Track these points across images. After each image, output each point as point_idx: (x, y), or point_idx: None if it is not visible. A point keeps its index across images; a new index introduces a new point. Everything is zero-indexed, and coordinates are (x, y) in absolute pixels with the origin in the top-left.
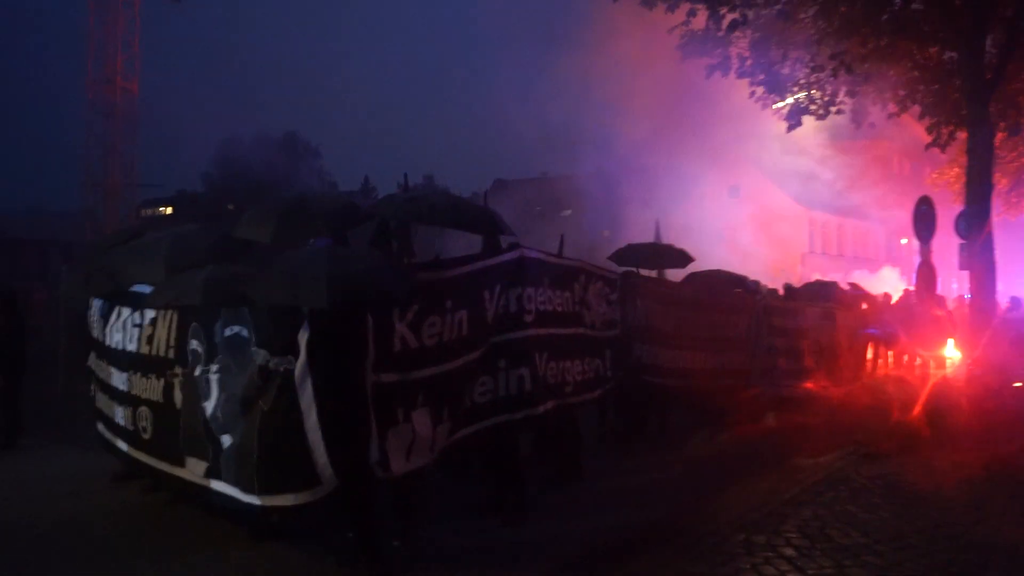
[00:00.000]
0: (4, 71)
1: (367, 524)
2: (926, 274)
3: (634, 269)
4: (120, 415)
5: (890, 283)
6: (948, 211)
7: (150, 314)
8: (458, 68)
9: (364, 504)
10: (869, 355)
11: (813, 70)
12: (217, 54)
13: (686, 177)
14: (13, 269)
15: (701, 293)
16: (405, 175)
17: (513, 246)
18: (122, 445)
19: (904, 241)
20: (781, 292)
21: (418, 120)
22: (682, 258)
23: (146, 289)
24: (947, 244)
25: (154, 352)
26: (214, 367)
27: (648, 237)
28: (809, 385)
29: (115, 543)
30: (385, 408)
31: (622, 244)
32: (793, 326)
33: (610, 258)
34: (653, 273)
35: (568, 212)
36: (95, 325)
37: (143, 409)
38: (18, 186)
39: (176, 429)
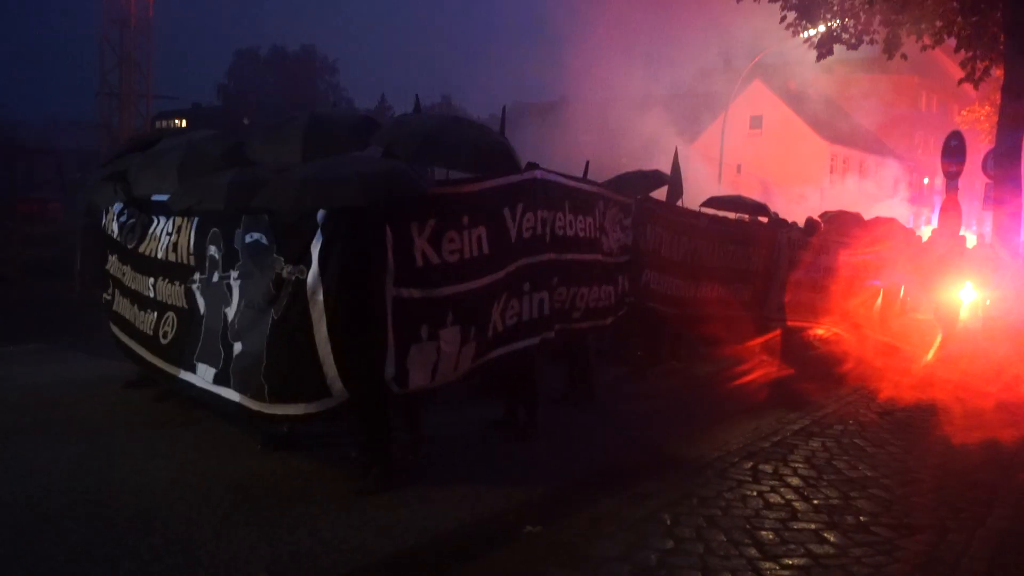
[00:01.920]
0: None
1: (377, 437)
2: (951, 212)
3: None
4: (143, 321)
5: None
6: (973, 152)
7: (176, 221)
8: None
9: (375, 417)
10: (891, 296)
11: None
12: None
13: (709, 107)
14: (29, 178)
15: (718, 223)
16: (416, 96)
17: (531, 166)
18: (140, 350)
19: (927, 181)
20: (802, 224)
21: (439, 37)
22: (655, 179)
23: (164, 199)
24: (971, 184)
25: (177, 259)
26: (234, 274)
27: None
28: (829, 321)
29: (126, 447)
30: (407, 323)
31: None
32: (817, 262)
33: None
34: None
35: (587, 138)
36: (116, 230)
37: (169, 315)
38: (34, 95)
39: (198, 335)
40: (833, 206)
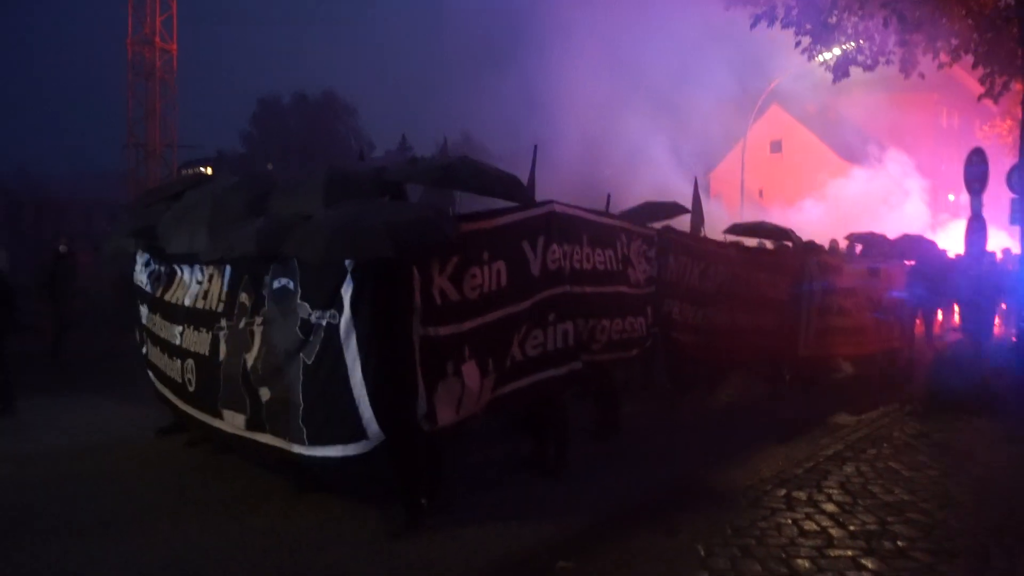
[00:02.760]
0: (46, 33)
1: (408, 478)
2: (977, 229)
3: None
4: (172, 368)
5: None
6: (996, 166)
7: (208, 270)
8: (498, 22)
9: (406, 458)
10: (924, 314)
11: (862, 19)
12: (254, 12)
13: (727, 134)
14: (58, 229)
15: (742, 251)
16: (445, 139)
17: (547, 202)
18: (173, 398)
19: (952, 197)
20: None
21: (458, 77)
22: (674, 209)
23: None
24: (995, 200)
25: (207, 307)
26: (258, 320)
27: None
28: (860, 343)
29: (156, 493)
30: (434, 361)
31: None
32: (846, 285)
33: None
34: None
35: (608, 172)
36: (144, 280)
37: (190, 362)
38: (62, 147)
39: (217, 382)
40: (838, 213)
